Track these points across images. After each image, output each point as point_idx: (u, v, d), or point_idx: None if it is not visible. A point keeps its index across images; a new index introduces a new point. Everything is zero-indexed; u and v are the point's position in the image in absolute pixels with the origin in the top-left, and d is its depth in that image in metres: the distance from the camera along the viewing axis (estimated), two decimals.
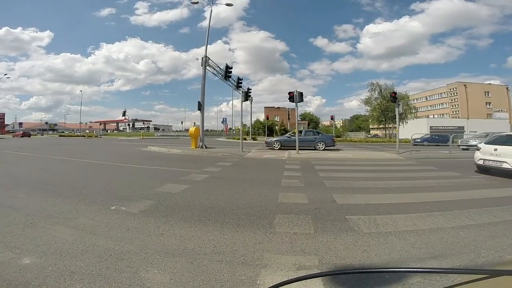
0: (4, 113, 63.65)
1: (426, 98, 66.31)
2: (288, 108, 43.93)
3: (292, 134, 16.49)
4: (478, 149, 7.85)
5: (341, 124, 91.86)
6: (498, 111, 55.24)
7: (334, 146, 16.35)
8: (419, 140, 23.02)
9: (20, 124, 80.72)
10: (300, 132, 16.23)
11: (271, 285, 0.64)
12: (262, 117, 55.91)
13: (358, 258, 2.42)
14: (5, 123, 71.65)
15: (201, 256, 2.40)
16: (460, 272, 0.58)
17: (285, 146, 15.87)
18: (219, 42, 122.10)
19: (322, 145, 15.48)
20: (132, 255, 2.38)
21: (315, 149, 15.13)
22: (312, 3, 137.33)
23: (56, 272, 2.06)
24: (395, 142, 15.42)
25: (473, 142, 14.38)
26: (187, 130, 39.88)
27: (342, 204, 4.16)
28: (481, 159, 7.52)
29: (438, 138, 25.21)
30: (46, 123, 67.05)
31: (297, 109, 14.15)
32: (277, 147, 15.77)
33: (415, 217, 3.51)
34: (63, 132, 66.52)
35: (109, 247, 2.54)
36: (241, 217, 3.53)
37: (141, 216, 3.51)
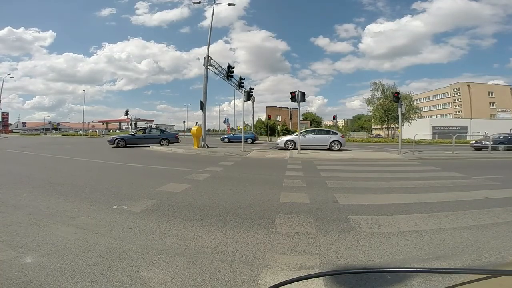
0: (8, 113, 63.96)
1: (429, 98, 66.06)
2: (290, 108, 43.84)
3: (138, 132, 18.76)
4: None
5: (344, 124, 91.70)
6: (502, 111, 54.87)
7: (178, 142, 18.49)
8: (225, 137, 28.04)
9: (24, 123, 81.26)
10: (145, 130, 19.09)
11: (272, 284, 0.64)
12: (264, 117, 55.99)
13: (359, 258, 2.41)
14: (9, 122, 72.13)
15: (203, 256, 2.40)
16: (461, 272, 0.57)
17: (130, 143, 17.16)
18: (220, 42, 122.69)
19: (166, 142, 17.52)
20: (134, 254, 2.39)
21: (160, 145, 17.05)
22: (313, 2, 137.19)
23: (58, 271, 2.07)
24: (398, 142, 15.34)
25: (280, 140, 16.72)
26: (189, 129, 40.02)
27: (344, 204, 4.15)
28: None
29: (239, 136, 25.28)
30: (49, 122, 67.56)
31: (299, 109, 14.15)
32: (122, 145, 16.78)
33: (417, 218, 3.49)
34: (66, 131, 66.92)
35: (111, 246, 2.55)
36: (243, 216, 3.54)
37: (143, 215, 3.53)
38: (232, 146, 18.13)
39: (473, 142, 17.79)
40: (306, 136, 15.39)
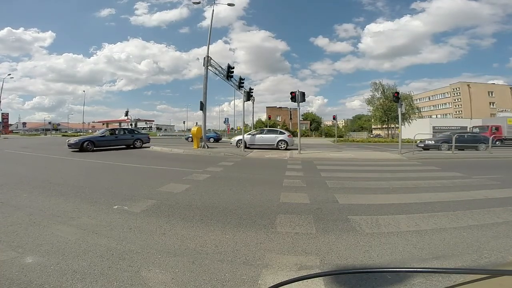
0: (8, 113, 63.92)
1: (429, 98, 66.03)
2: (290, 108, 43.92)
3: (106, 132, 17.18)
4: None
5: (344, 124, 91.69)
6: (502, 111, 54.81)
7: (149, 142, 18.20)
8: (189, 136, 25.64)
9: (24, 124, 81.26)
10: (115, 130, 17.97)
11: (272, 284, 0.64)
12: (264, 117, 55.96)
13: (359, 258, 2.41)
14: (9, 123, 72.14)
15: (203, 256, 2.40)
16: (461, 272, 0.57)
17: (100, 146, 14.80)
18: (220, 42, 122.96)
19: (140, 143, 17.17)
20: (134, 255, 2.39)
21: (134, 147, 16.73)
22: (312, 2, 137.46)
23: (58, 271, 2.08)
24: (398, 142, 15.34)
25: (233, 140, 17.64)
26: (189, 130, 40.09)
27: (344, 204, 4.15)
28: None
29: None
30: (49, 123, 67.56)
31: (299, 109, 14.15)
32: (91, 148, 14.07)
33: (417, 218, 3.49)
34: (66, 132, 66.96)
35: (111, 246, 2.56)
36: (243, 216, 3.54)
37: (143, 216, 3.53)
38: (231, 147, 18.10)
39: (418, 142, 17.71)
40: (255, 136, 16.07)
